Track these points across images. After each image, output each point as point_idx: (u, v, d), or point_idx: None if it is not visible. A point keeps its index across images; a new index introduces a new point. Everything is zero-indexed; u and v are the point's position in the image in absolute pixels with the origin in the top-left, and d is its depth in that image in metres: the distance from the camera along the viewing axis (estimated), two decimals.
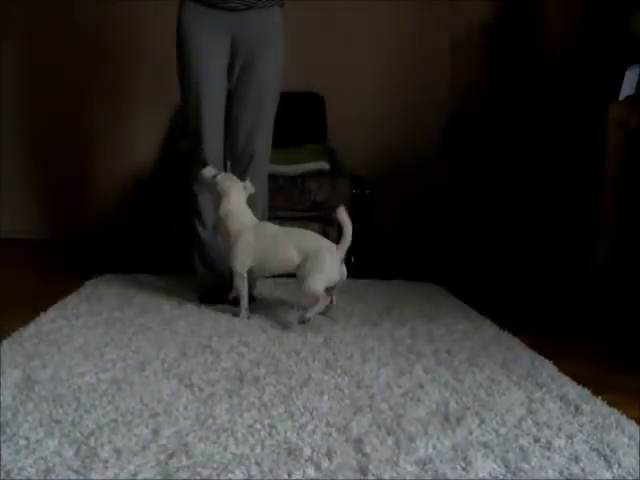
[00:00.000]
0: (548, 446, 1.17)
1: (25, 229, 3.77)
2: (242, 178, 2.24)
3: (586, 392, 1.47)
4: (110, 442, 1.11)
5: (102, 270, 2.67)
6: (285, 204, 2.81)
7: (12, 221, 3.74)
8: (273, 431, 1.19)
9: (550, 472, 1.08)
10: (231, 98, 2.22)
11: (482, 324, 2.07)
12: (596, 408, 1.37)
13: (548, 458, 1.13)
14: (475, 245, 3.17)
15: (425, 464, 1.08)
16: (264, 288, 2.42)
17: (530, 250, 2.81)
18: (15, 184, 3.76)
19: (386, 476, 1.04)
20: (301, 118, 3.29)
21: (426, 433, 1.21)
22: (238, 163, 2.26)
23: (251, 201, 2.28)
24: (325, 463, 1.07)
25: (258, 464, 1.06)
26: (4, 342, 1.64)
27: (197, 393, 1.37)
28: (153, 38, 3.50)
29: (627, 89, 2.32)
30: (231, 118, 2.23)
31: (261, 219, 2.32)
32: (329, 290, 1.96)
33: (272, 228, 2.09)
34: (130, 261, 2.99)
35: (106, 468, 1.02)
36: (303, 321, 1.88)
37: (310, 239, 2.02)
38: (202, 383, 1.43)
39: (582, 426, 1.27)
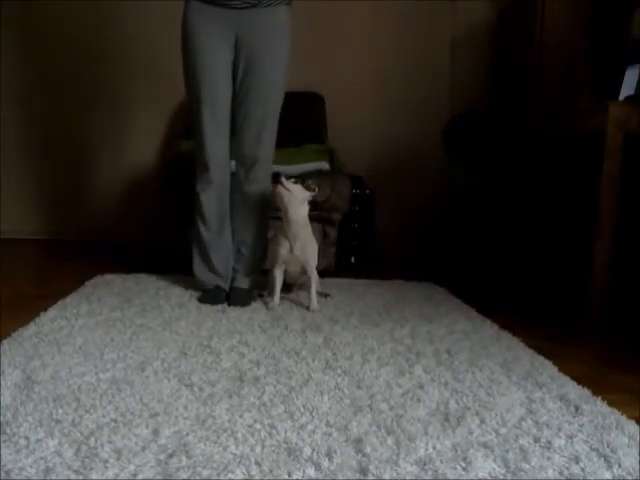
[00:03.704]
0: (548, 446, 1.17)
1: (25, 229, 3.77)
2: (245, 178, 2.24)
3: (586, 392, 1.47)
4: (110, 442, 1.11)
5: (102, 270, 2.67)
6: None
7: (12, 221, 3.75)
8: (273, 431, 1.18)
9: (550, 472, 1.08)
10: (236, 98, 2.20)
11: (482, 324, 2.07)
12: (596, 408, 1.37)
13: (548, 458, 1.12)
14: (475, 245, 3.18)
15: (425, 464, 1.08)
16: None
17: (530, 250, 2.82)
18: (15, 184, 3.77)
19: (386, 476, 1.04)
20: (301, 118, 3.28)
21: (426, 433, 1.20)
22: (243, 163, 2.25)
23: (253, 202, 2.28)
24: (325, 463, 1.07)
25: (258, 464, 1.05)
26: (4, 342, 1.64)
27: (197, 393, 1.37)
28: (154, 38, 3.51)
29: (627, 89, 2.33)
30: (237, 118, 2.22)
31: (262, 219, 2.33)
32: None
33: None
34: (130, 261, 2.99)
35: (106, 468, 1.02)
36: None
37: None
38: (202, 383, 1.43)
39: (582, 426, 1.27)
